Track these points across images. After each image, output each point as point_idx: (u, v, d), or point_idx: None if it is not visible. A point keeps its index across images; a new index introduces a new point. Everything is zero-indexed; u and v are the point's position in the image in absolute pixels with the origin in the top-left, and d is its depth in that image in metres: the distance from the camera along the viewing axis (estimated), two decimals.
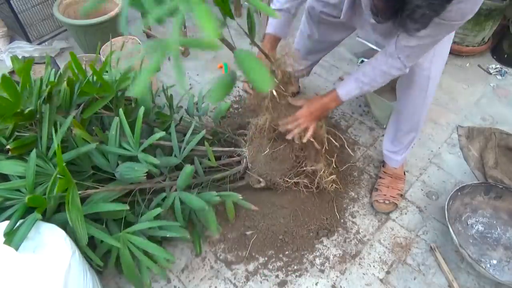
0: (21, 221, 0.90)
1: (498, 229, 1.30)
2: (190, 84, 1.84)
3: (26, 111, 1.00)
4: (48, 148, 1.03)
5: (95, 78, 1.14)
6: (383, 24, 1.06)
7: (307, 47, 1.53)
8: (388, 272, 1.22)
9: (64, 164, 0.88)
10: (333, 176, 1.28)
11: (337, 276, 1.21)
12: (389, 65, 1.04)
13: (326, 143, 1.23)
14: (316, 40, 1.46)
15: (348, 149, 1.48)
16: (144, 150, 1.10)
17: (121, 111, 1.11)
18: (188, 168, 1.08)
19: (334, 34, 1.42)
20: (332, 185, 1.30)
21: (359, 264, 1.24)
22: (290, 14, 1.19)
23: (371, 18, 1.11)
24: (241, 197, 1.18)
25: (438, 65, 1.12)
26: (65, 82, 1.04)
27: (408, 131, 1.31)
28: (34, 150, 0.95)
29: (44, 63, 1.45)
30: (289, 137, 1.14)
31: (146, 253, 1.05)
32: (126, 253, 1.04)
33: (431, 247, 1.27)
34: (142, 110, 1.12)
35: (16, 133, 1.07)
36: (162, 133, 1.13)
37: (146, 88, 1.05)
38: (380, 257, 1.26)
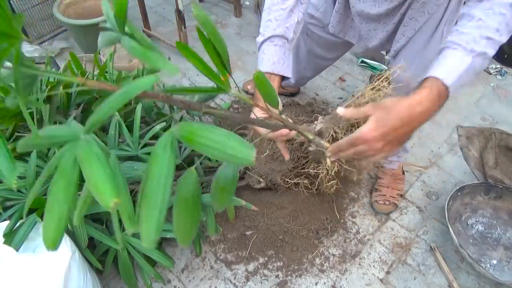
0: (21, 221, 0.90)
1: (498, 229, 1.30)
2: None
3: None
4: (48, 148, 1.03)
5: (95, 76, 1.14)
6: (378, 30, 1.07)
7: (294, 66, 1.52)
8: (388, 272, 1.22)
9: None
10: (334, 182, 1.28)
11: (337, 276, 1.21)
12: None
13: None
14: (303, 56, 1.46)
15: None
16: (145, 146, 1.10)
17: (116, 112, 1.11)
18: (191, 172, 1.08)
19: (318, 49, 1.40)
20: (331, 189, 1.30)
21: (359, 264, 1.24)
22: (288, 40, 0.91)
23: (364, 28, 1.11)
24: (244, 203, 1.18)
25: None
26: (61, 87, 1.03)
27: None
28: (35, 151, 0.95)
29: (44, 63, 1.44)
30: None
31: (145, 255, 1.05)
32: (125, 255, 1.03)
33: (431, 247, 1.27)
34: (139, 107, 1.10)
35: (16, 134, 1.07)
36: (162, 124, 1.12)
37: None
38: (380, 257, 1.26)
